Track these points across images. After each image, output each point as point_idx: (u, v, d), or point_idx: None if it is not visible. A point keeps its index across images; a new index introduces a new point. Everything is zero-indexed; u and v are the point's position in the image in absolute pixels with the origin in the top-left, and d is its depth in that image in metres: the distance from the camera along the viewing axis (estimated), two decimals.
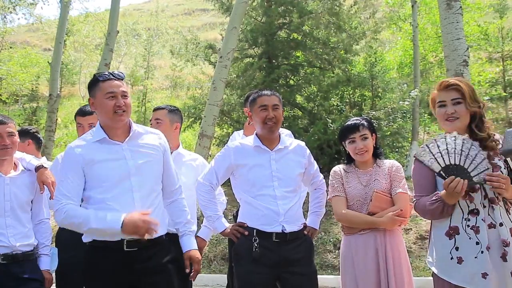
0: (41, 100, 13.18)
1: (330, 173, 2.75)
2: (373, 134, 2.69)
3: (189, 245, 2.30)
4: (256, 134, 2.60)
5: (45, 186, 2.50)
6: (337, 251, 5.83)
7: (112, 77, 2.16)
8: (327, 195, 2.75)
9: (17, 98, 14.58)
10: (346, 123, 2.75)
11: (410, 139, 9.52)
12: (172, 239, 2.33)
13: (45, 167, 2.54)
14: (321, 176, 2.79)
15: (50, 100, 8.91)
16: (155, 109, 3.01)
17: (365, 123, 2.67)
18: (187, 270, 2.25)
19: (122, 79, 2.20)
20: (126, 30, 17.23)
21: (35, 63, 16.23)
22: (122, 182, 2.11)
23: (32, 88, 12.92)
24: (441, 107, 2.17)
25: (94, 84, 2.18)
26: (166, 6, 21.79)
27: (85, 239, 2.16)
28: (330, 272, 5.48)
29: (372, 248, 2.52)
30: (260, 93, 2.59)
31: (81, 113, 3.04)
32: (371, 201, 2.56)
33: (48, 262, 2.56)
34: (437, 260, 2.14)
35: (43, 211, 2.61)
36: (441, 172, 2.04)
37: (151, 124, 2.89)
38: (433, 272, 2.17)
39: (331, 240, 6.09)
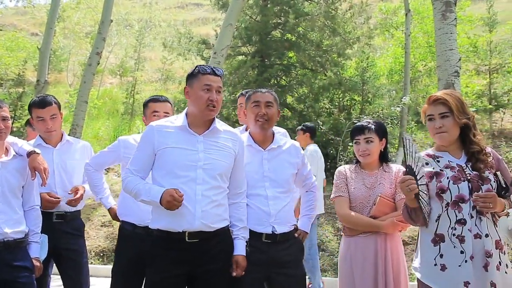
0: (27, 85, 12.90)
1: (335, 172, 2.75)
2: (383, 138, 2.68)
3: (239, 249, 2.33)
4: (250, 133, 2.58)
5: (36, 173, 2.45)
6: (321, 252, 5.87)
7: (212, 71, 2.26)
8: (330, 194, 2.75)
9: (1, 82, 14.24)
10: (356, 124, 2.76)
11: (397, 145, 9.63)
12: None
13: (37, 153, 2.49)
14: (314, 178, 2.78)
15: (38, 86, 8.72)
16: (162, 100, 2.96)
17: (373, 126, 2.65)
18: (234, 274, 2.28)
19: (220, 76, 2.29)
20: (118, 19, 16.98)
21: (22, 47, 15.89)
22: (188, 172, 2.18)
23: (19, 73, 12.60)
24: (430, 121, 2.22)
25: (194, 75, 2.28)
26: None
27: (152, 225, 2.25)
28: None
29: (372, 251, 2.53)
30: (256, 90, 2.61)
31: (41, 104, 2.85)
32: (374, 204, 2.56)
33: (38, 250, 2.50)
34: (422, 266, 2.18)
35: (34, 197, 2.55)
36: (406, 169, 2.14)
37: (154, 116, 2.87)
38: (417, 277, 2.21)
39: None
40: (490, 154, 2.21)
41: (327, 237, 6.20)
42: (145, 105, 2.98)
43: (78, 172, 3.01)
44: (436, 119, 2.20)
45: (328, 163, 8.44)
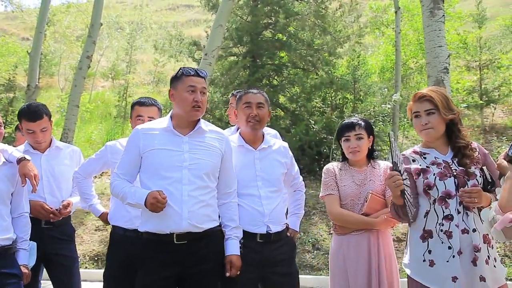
0: (18, 90, 12.80)
1: (323, 170, 2.74)
2: (371, 136, 2.70)
3: (232, 249, 2.31)
4: (240, 133, 2.60)
5: (26, 179, 2.44)
6: (315, 251, 5.89)
7: (196, 73, 2.28)
8: (319, 192, 2.75)
9: None
10: (344, 121, 2.76)
11: (389, 142, 9.68)
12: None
13: (27, 159, 2.48)
14: (301, 177, 2.81)
15: (28, 91, 8.68)
16: (147, 104, 2.92)
17: (362, 123, 2.67)
18: (228, 274, 2.27)
19: (204, 78, 2.31)
20: (109, 22, 16.96)
21: (13, 52, 15.79)
22: (174, 173, 2.19)
23: (9, 78, 12.50)
24: (416, 117, 2.25)
25: (178, 77, 2.30)
26: (150, 0, 21.53)
27: (141, 228, 2.27)
28: (308, 272, 5.53)
29: (365, 249, 2.52)
30: (247, 90, 2.62)
31: (31, 117, 2.78)
32: (365, 201, 2.55)
33: (27, 257, 2.48)
34: (411, 262, 2.20)
35: (23, 204, 2.53)
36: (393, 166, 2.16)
37: (138, 120, 2.86)
38: (407, 273, 2.23)
39: (310, 240, 6.13)
40: (476, 149, 2.23)
41: (321, 235, 6.22)
42: (132, 107, 2.98)
43: (67, 177, 2.99)
44: (422, 116, 2.22)
45: (321, 162, 8.47)
